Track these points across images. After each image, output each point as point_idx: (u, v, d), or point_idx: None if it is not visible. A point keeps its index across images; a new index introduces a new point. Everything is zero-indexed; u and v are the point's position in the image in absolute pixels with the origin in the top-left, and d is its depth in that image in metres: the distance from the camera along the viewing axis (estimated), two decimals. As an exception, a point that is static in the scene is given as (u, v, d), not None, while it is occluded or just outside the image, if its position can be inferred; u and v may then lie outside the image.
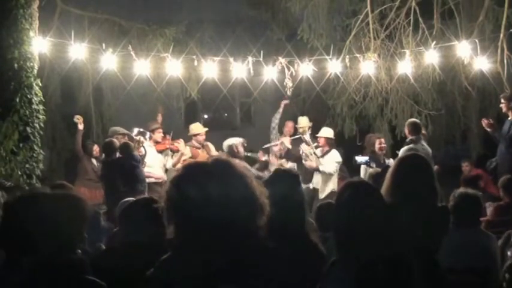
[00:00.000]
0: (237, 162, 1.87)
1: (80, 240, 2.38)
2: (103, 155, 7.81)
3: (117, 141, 7.51)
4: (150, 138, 8.07)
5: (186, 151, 8.10)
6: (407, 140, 7.30)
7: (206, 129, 8.48)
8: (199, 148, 8.27)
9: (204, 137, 8.35)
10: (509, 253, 3.57)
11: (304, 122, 8.35)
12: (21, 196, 2.36)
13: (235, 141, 7.62)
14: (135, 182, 7.02)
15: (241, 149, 7.59)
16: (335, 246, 2.60)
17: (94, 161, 8.74)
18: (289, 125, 8.90)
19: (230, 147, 7.54)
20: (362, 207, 2.55)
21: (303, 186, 8.21)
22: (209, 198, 1.68)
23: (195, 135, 8.32)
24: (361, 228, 2.47)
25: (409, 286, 2.45)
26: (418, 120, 7.82)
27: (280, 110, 8.94)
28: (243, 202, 1.71)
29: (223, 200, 1.68)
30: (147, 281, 1.86)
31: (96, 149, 8.78)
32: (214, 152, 8.31)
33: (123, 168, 7.04)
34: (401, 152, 7.02)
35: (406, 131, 7.39)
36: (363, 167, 7.43)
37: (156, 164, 8.09)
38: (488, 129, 7.35)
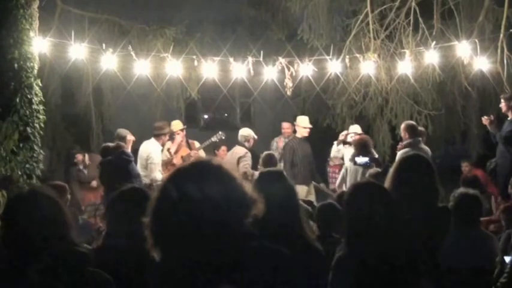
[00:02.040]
0: (227, 163, 1.88)
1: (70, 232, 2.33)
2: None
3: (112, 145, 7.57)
4: None
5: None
6: (405, 143, 7.09)
7: (184, 126, 8.43)
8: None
9: (183, 132, 8.26)
10: (507, 259, 3.55)
11: (305, 122, 8.33)
12: (16, 196, 2.37)
13: (254, 136, 8.00)
14: (130, 178, 7.00)
15: (251, 142, 7.97)
16: (344, 241, 2.62)
17: (81, 167, 9.03)
18: (285, 126, 8.90)
19: (245, 137, 7.94)
20: (369, 206, 2.56)
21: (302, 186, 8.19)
22: (200, 200, 1.68)
23: (175, 132, 8.32)
24: (367, 226, 2.49)
25: (411, 285, 2.46)
26: (414, 122, 7.73)
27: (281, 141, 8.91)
28: (234, 203, 1.71)
29: (214, 201, 1.68)
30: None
31: (79, 157, 9.03)
32: (197, 145, 8.41)
33: (118, 166, 7.06)
34: (398, 156, 6.92)
35: (403, 133, 7.20)
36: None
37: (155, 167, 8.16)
38: (489, 126, 7.34)
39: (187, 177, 1.74)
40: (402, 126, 7.36)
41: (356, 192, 2.71)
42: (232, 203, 1.71)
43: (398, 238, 2.47)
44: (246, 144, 7.90)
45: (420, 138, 7.22)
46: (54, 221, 2.20)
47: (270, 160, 7.11)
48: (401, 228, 2.50)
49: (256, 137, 8.06)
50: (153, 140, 7.90)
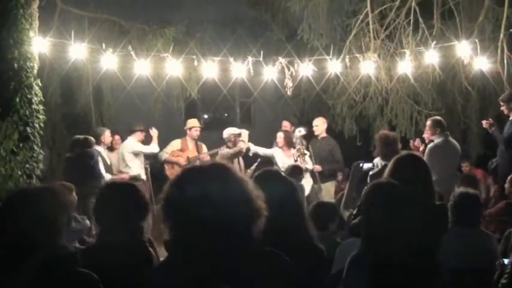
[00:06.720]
0: (231, 166, 1.88)
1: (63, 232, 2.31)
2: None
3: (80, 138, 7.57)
4: None
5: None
6: (434, 137, 6.77)
7: (201, 125, 8.71)
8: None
9: (198, 131, 8.51)
10: (506, 261, 3.54)
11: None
12: (11, 196, 2.37)
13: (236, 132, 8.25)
14: (89, 179, 6.91)
15: (236, 140, 8.12)
16: (362, 240, 2.61)
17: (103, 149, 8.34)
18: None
19: (229, 136, 8.22)
20: (389, 206, 2.56)
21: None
22: (207, 201, 1.68)
23: (190, 128, 8.47)
24: (385, 225, 2.49)
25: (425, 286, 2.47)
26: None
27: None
28: (240, 205, 1.71)
29: (221, 203, 1.68)
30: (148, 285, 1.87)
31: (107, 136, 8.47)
32: (205, 150, 8.54)
33: (80, 163, 7.03)
34: (429, 146, 6.69)
35: (430, 130, 6.83)
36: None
37: (136, 164, 8.24)
38: (490, 130, 7.32)
39: (195, 179, 1.74)
40: (429, 122, 6.97)
41: (376, 192, 2.69)
42: (238, 206, 1.70)
43: (415, 238, 2.46)
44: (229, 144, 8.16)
45: (448, 133, 6.95)
46: (44, 221, 2.19)
47: (295, 171, 6.77)
48: (417, 229, 2.50)
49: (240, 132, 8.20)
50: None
